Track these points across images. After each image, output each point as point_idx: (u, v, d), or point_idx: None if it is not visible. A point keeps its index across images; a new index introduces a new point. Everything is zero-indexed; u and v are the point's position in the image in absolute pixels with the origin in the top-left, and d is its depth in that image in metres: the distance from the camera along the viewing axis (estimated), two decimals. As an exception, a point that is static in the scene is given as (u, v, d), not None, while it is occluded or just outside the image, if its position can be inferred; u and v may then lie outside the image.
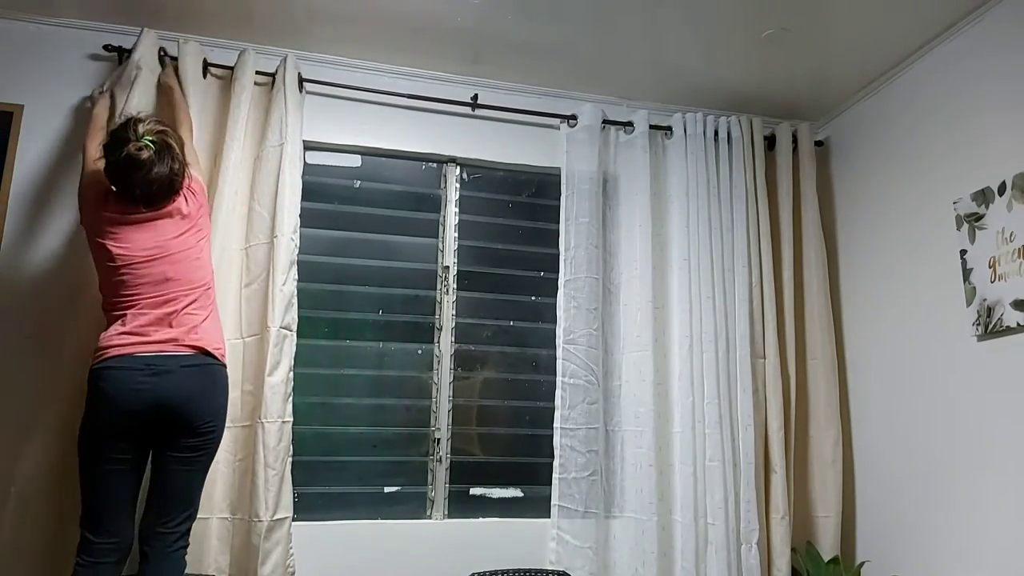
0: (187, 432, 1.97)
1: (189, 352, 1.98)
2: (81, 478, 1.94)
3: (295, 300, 2.51)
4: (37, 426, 2.29)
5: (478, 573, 2.52)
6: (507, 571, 2.57)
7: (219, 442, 2.07)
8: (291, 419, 2.43)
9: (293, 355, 2.48)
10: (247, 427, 2.40)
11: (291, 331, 2.48)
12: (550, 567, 2.65)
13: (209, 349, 2.02)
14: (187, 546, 2.02)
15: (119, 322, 1.97)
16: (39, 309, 2.42)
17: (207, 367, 2.02)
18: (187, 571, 2.04)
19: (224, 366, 2.08)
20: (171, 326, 1.97)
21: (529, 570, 2.60)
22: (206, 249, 2.16)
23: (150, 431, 1.94)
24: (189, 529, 2.03)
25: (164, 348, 1.94)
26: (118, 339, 1.94)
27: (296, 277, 2.53)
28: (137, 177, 2.00)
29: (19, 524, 2.24)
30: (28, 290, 2.43)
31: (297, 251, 2.55)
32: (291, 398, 2.45)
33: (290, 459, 2.42)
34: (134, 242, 2.01)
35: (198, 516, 2.08)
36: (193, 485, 2.04)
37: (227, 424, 2.39)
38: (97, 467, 1.93)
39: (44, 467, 2.25)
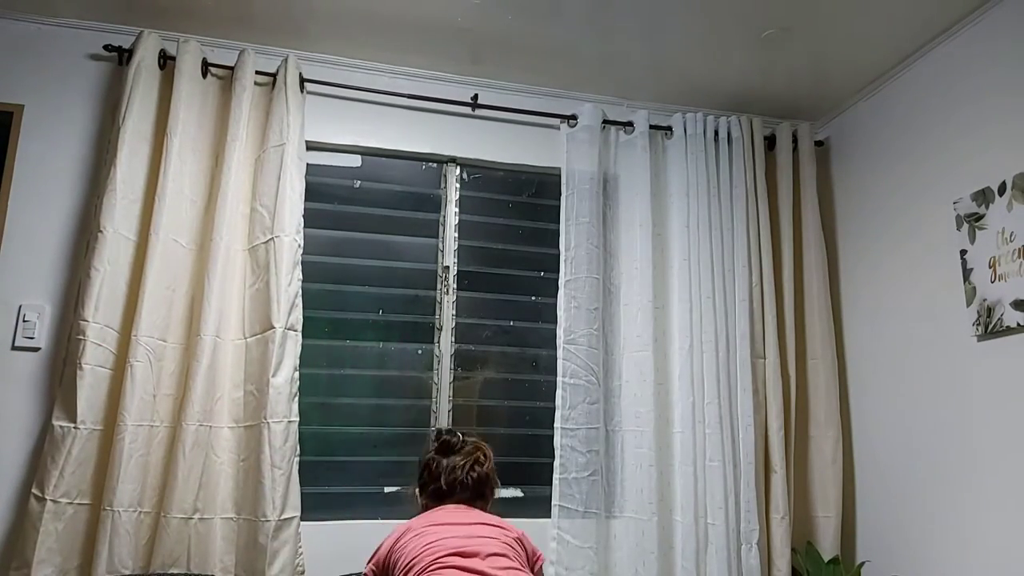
0: None
1: None
2: None
3: (299, 300, 2.50)
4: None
5: (479, 573, 2.52)
6: (507, 571, 2.57)
7: None
8: (297, 419, 2.43)
9: (298, 355, 2.47)
10: (251, 427, 2.39)
11: (296, 331, 2.48)
12: (550, 567, 2.64)
13: None
14: None
15: None
16: (39, 311, 2.41)
17: None
18: (192, 571, 1.99)
19: None
20: None
21: (529, 570, 2.60)
22: None
23: None
24: None
25: None
26: None
27: (300, 277, 2.52)
28: None
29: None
30: (29, 291, 2.43)
31: (301, 251, 2.55)
32: (296, 398, 2.45)
33: (297, 458, 2.41)
34: None
35: (202, 516, 2.04)
36: None
37: (231, 424, 2.40)
38: None
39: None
